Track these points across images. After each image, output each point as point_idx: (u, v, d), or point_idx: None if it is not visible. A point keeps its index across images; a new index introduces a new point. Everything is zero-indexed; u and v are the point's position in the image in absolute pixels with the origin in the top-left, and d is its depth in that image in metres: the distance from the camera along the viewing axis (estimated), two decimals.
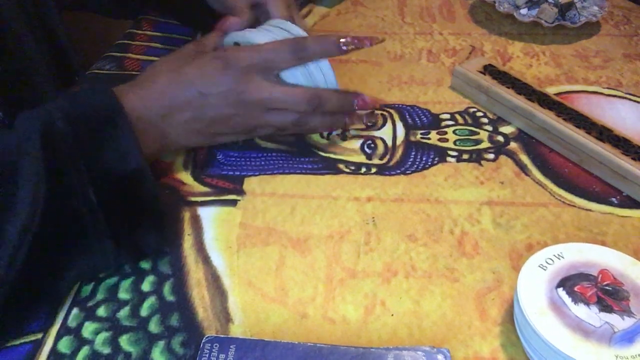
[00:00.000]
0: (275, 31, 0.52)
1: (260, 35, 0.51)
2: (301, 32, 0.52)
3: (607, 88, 0.63)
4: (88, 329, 0.41)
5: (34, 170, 0.39)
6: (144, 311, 0.42)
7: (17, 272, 0.38)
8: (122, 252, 0.43)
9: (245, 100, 0.48)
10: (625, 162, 0.49)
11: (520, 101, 0.57)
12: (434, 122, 0.59)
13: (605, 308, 0.36)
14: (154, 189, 0.44)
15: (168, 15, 0.76)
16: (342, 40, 0.49)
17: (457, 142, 0.56)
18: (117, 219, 0.42)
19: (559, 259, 0.39)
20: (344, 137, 0.57)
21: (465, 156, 0.55)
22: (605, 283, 0.38)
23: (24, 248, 0.38)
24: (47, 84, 0.54)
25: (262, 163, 0.54)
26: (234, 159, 0.55)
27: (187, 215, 0.49)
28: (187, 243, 0.47)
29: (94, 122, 0.42)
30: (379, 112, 0.60)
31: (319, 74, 0.51)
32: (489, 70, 0.61)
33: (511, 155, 0.55)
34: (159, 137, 0.48)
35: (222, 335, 0.38)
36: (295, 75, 0.50)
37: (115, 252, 0.42)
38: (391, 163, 0.54)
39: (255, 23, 0.56)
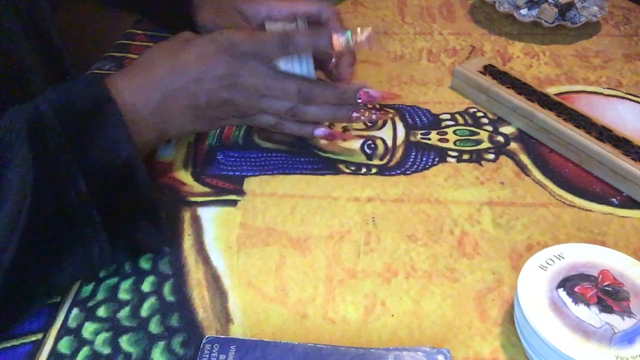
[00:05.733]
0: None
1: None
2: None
3: (607, 88, 0.63)
4: (88, 329, 0.41)
5: (21, 163, 0.38)
6: (144, 311, 0.42)
7: (6, 267, 0.37)
8: (118, 245, 0.42)
9: (239, 85, 0.48)
10: (625, 163, 0.49)
11: (520, 101, 0.57)
12: (434, 122, 0.59)
13: (606, 308, 0.36)
14: (146, 178, 0.43)
15: (156, 24, 0.75)
16: (333, 36, 0.49)
17: (458, 143, 0.56)
18: (110, 210, 0.41)
19: (559, 259, 0.39)
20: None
21: (465, 156, 0.55)
22: (605, 283, 0.38)
23: (12, 243, 0.37)
24: (39, 83, 0.54)
25: (262, 163, 0.54)
26: (234, 159, 0.55)
27: (187, 215, 0.49)
28: (187, 243, 0.47)
29: (82, 111, 0.42)
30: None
31: (301, 68, 0.50)
32: (489, 70, 0.61)
33: (511, 155, 0.55)
34: (155, 126, 0.47)
35: (223, 336, 0.38)
36: (286, 64, 0.50)
37: (110, 245, 0.42)
38: (391, 163, 0.54)
39: None
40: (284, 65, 0.49)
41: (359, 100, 0.51)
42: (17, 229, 0.38)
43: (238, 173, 0.53)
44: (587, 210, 0.49)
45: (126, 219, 0.43)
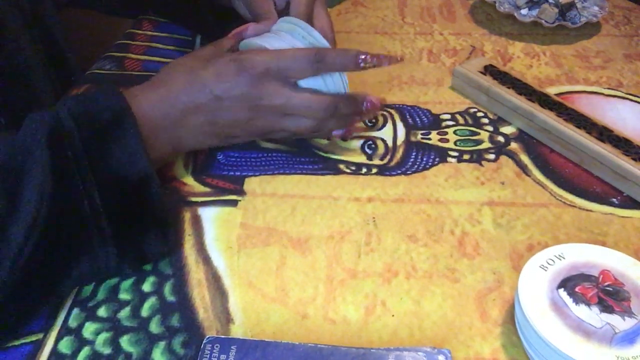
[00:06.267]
0: (288, 38, 0.50)
1: (274, 42, 0.50)
2: (316, 35, 0.50)
3: (608, 88, 0.63)
4: (89, 329, 0.41)
5: (40, 170, 0.38)
6: (144, 311, 0.42)
7: (20, 274, 0.38)
8: (125, 256, 0.42)
9: (261, 105, 0.48)
10: (625, 163, 0.49)
11: (520, 101, 0.57)
12: (434, 122, 0.59)
13: (606, 309, 0.36)
14: (159, 195, 0.44)
15: (167, 17, 0.76)
16: (361, 56, 0.48)
17: (458, 143, 0.56)
18: (121, 223, 0.41)
19: (560, 259, 0.39)
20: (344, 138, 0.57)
21: (465, 156, 0.55)
22: (606, 284, 0.38)
23: (27, 249, 0.37)
24: (44, 84, 0.54)
25: (263, 163, 0.54)
26: (234, 159, 0.55)
27: (187, 215, 0.49)
28: (188, 243, 0.47)
29: (101, 122, 0.42)
30: (379, 112, 0.60)
31: (334, 85, 0.50)
32: (490, 70, 0.61)
33: (512, 155, 0.55)
34: (170, 141, 0.47)
35: (223, 336, 0.38)
36: (310, 82, 0.49)
37: (118, 257, 0.42)
38: (392, 163, 0.54)
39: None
40: (317, 84, 0.49)
41: (364, 109, 0.51)
42: (32, 236, 0.38)
43: (238, 173, 0.53)
44: (587, 210, 0.49)
45: (136, 230, 0.43)
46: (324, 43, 0.50)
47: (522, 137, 0.57)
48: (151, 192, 0.43)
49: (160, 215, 0.44)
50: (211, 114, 0.47)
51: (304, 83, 0.49)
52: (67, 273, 0.41)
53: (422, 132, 0.58)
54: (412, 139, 0.57)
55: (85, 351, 0.39)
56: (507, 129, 0.58)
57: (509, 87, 0.58)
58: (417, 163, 0.54)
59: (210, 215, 0.49)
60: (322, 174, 0.53)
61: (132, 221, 0.42)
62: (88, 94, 0.45)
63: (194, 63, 0.48)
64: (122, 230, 0.41)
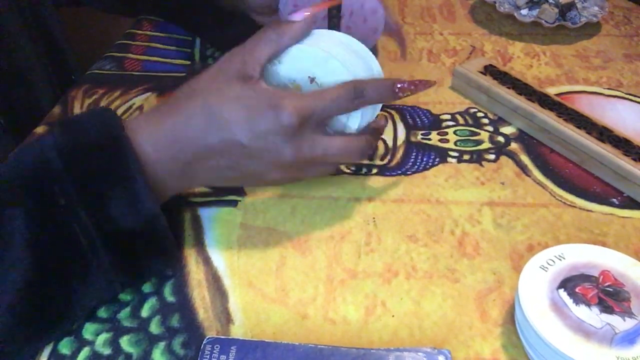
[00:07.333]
0: (356, 62, 0.45)
1: (354, 68, 0.44)
2: (373, 63, 0.46)
3: (608, 88, 0.63)
4: (89, 329, 0.41)
5: (21, 225, 0.34)
6: (144, 312, 0.42)
7: (17, 316, 0.36)
8: (128, 284, 0.42)
9: (292, 161, 0.41)
10: (626, 163, 0.49)
11: (520, 102, 0.57)
12: (434, 122, 0.59)
13: (607, 309, 0.36)
14: (166, 231, 0.40)
15: (166, 18, 0.76)
16: (398, 86, 0.43)
17: (458, 143, 0.56)
18: (125, 260, 0.39)
19: (560, 260, 0.39)
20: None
21: (466, 157, 0.55)
22: (606, 284, 0.38)
23: (23, 301, 0.36)
24: (43, 84, 0.54)
25: None
26: None
27: (187, 215, 0.49)
28: (188, 244, 0.47)
29: (95, 162, 0.37)
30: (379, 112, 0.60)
31: (370, 116, 0.47)
32: (490, 70, 0.61)
33: (512, 155, 0.55)
34: (180, 182, 0.43)
35: (223, 337, 0.38)
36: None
37: (122, 286, 0.41)
38: (392, 164, 0.54)
39: None
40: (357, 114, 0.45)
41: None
42: (25, 297, 0.35)
43: None
44: (587, 210, 0.49)
45: (142, 268, 0.41)
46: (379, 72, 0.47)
47: (522, 137, 0.57)
48: (158, 232, 0.40)
49: (168, 248, 0.42)
50: (232, 159, 0.41)
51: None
52: (72, 313, 0.39)
53: (422, 132, 0.58)
54: (412, 139, 0.57)
55: (85, 352, 0.39)
56: (507, 129, 0.58)
57: (509, 87, 0.58)
58: (417, 163, 0.54)
59: (210, 216, 0.49)
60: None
61: (137, 256, 0.40)
62: (79, 121, 0.39)
63: (218, 92, 0.40)
64: (126, 267, 0.40)
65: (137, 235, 0.39)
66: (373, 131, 0.47)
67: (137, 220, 0.38)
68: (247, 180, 0.45)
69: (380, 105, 0.47)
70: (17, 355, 0.38)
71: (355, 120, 0.44)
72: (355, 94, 0.42)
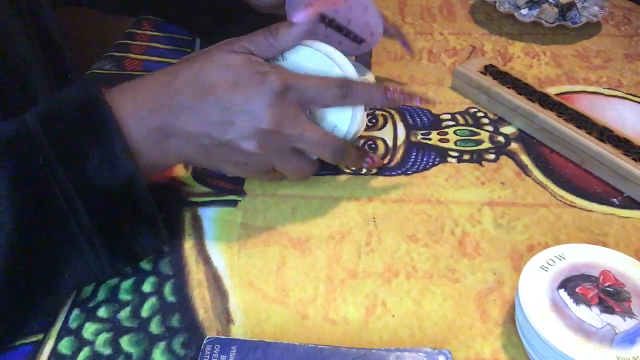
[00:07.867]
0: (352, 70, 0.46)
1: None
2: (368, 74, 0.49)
3: (608, 89, 0.63)
4: (89, 330, 0.41)
5: (2, 187, 0.35)
6: (145, 312, 0.42)
7: (5, 283, 0.36)
8: (118, 258, 0.42)
9: (270, 131, 0.41)
10: (626, 163, 0.49)
11: (521, 102, 0.57)
12: (435, 122, 0.59)
13: (607, 309, 0.36)
14: (147, 195, 0.41)
15: (165, 19, 0.76)
16: (390, 89, 0.45)
17: (458, 143, 0.56)
18: (109, 227, 0.40)
19: (561, 260, 0.39)
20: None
21: (466, 157, 0.55)
22: (606, 284, 0.38)
23: (7, 267, 0.36)
24: (41, 83, 0.54)
25: None
26: None
27: (188, 215, 0.49)
28: (188, 244, 0.47)
29: (70, 120, 0.37)
30: (380, 112, 0.60)
31: (354, 122, 0.46)
32: (490, 70, 0.61)
33: (512, 156, 0.55)
34: (161, 144, 0.42)
35: (224, 337, 0.38)
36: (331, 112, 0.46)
37: (111, 260, 0.41)
38: (392, 164, 0.54)
39: None
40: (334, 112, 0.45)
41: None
42: (11, 258, 0.36)
43: None
44: (588, 210, 0.49)
45: (126, 232, 0.41)
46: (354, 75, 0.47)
47: (522, 137, 0.57)
48: (138, 193, 0.40)
49: (149, 213, 0.42)
50: (209, 123, 0.41)
51: (323, 114, 0.45)
52: (61, 278, 0.40)
53: (423, 132, 0.58)
54: (413, 139, 0.57)
55: (86, 352, 0.39)
56: (508, 130, 0.58)
57: (509, 88, 0.58)
58: (418, 163, 0.54)
59: (210, 216, 0.49)
60: (323, 175, 0.53)
61: (120, 223, 0.40)
62: (61, 92, 0.39)
63: (205, 61, 0.42)
64: (111, 236, 0.40)
65: (117, 197, 0.39)
66: (362, 148, 0.47)
67: (115, 178, 0.38)
68: (221, 152, 0.43)
69: (365, 121, 0.47)
70: (5, 325, 0.39)
71: (344, 124, 0.45)
72: (343, 86, 0.43)
